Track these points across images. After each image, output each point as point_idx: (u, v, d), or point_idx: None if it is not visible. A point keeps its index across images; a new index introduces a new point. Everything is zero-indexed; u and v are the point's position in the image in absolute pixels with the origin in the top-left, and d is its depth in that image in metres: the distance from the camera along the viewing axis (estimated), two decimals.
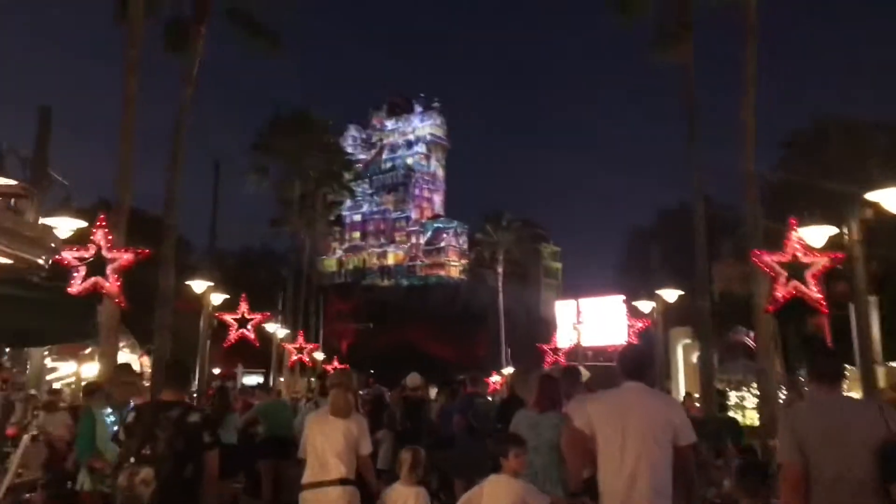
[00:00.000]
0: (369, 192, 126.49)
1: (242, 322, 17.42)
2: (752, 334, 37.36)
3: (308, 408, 8.12)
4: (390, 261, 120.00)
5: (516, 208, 69.37)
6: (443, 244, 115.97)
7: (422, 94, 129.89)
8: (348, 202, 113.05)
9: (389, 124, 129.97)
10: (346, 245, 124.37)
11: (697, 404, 14.46)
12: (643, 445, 3.77)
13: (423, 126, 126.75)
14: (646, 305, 18.40)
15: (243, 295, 17.75)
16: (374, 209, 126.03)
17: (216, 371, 44.58)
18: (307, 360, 26.36)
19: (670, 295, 16.46)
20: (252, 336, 17.50)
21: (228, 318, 17.30)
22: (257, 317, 17.68)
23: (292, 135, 31.60)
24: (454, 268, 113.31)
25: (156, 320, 13.53)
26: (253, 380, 34.55)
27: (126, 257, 9.44)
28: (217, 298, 17.25)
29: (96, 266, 9.36)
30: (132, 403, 5.77)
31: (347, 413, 5.24)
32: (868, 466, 3.27)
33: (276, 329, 24.99)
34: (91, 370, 22.15)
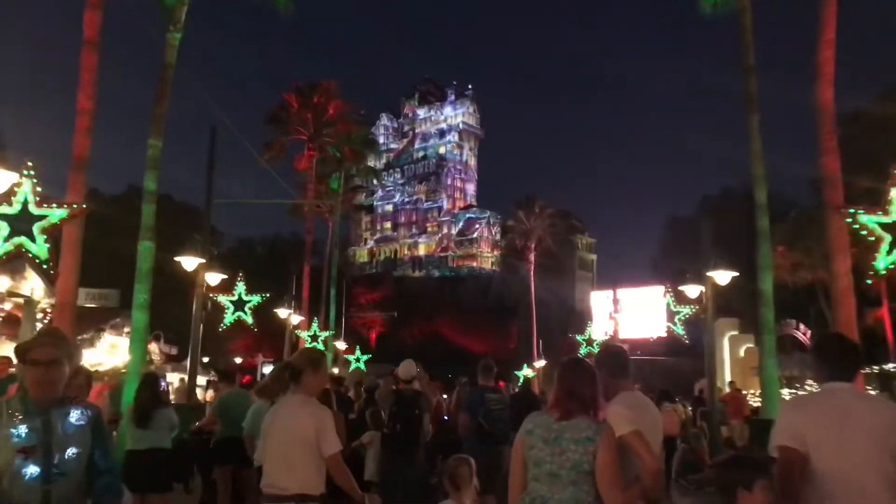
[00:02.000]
0: (401, 181, 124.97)
1: (240, 304, 15.69)
2: (801, 327, 34.83)
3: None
4: (421, 251, 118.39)
5: (551, 199, 66.85)
6: (475, 235, 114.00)
7: (454, 82, 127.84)
8: (380, 192, 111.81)
9: (421, 113, 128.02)
10: (378, 236, 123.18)
11: (758, 402, 12.33)
12: (878, 469, 2.84)
13: (456, 114, 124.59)
14: (693, 290, 16.22)
15: (240, 274, 16.04)
16: (406, 199, 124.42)
17: (238, 360, 43.45)
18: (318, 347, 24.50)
19: (723, 277, 14.24)
20: (250, 320, 15.74)
21: (224, 299, 15.57)
22: (257, 298, 15.88)
23: (310, 108, 29.85)
24: (486, 259, 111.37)
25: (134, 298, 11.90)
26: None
27: (59, 213, 7.68)
28: (214, 279, 15.68)
29: (24, 225, 7.62)
30: (77, 409, 3.14)
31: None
32: None
33: (289, 315, 23.23)
34: (96, 357, 20.76)
